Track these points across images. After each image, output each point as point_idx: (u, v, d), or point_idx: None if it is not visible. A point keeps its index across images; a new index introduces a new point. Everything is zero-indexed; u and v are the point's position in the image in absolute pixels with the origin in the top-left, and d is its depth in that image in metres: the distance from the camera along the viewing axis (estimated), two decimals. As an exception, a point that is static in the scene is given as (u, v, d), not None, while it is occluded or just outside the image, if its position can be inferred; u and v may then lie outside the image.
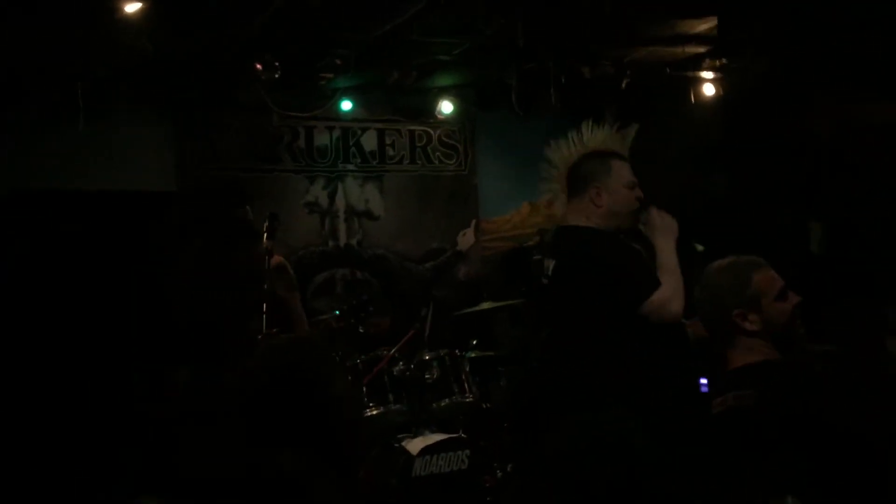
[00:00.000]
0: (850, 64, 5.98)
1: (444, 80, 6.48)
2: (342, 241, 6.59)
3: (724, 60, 6.12)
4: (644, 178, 7.06)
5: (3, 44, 4.82)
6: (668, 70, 6.27)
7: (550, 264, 2.98)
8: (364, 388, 4.62)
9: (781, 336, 2.38)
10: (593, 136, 3.05)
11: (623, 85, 6.19)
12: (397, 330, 5.43)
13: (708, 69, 6.28)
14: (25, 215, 4.33)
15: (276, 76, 5.46)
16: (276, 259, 3.54)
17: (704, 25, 5.50)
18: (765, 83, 6.04)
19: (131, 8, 4.29)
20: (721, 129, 6.47)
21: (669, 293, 2.72)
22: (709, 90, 6.40)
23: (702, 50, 5.98)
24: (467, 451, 4.54)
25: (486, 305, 5.47)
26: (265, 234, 2.92)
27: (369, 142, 6.74)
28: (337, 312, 5.16)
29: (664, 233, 2.87)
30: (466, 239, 6.95)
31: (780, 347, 2.38)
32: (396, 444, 4.54)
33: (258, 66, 5.35)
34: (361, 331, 5.05)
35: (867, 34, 5.57)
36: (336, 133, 6.63)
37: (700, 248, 2.95)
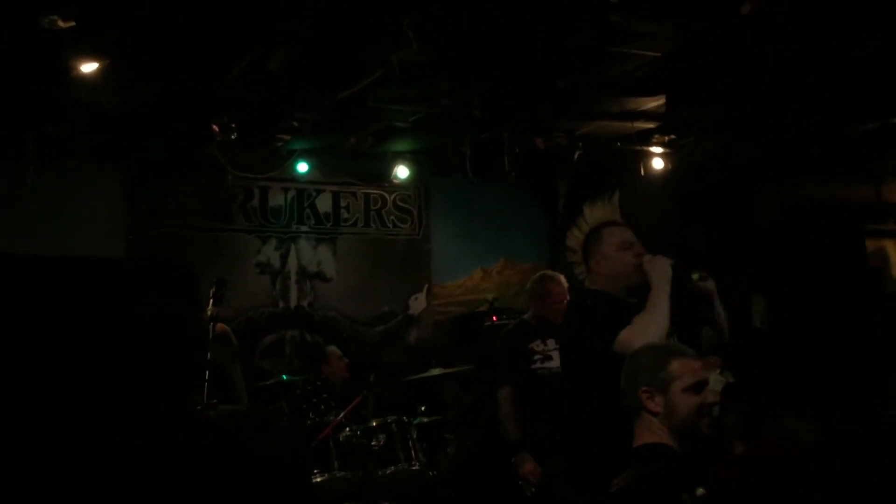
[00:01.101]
0: (792, 144, 6.22)
1: (400, 146, 6.57)
2: (293, 302, 6.55)
3: (672, 137, 6.31)
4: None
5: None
6: (618, 144, 6.44)
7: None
8: (308, 455, 4.54)
9: (681, 427, 2.43)
10: (593, 214, 3.24)
11: (575, 157, 6.33)
12: (354, 378, 5.39)
13: (657, 144, 6.48)
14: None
15: (233, 137, 5.48)
16: (220, 327, 3.50)
17: (653, 103, 5.69)
18: (711, 160, 6.23)
19: (88, 68, 4.29)
20: (670, 204, 6.64)
21: (636, 332, 2.83)
22: (658, 164, 6.59)
23: (651, 126, 6.17)
24: (412, 521, 4.48)
25: (435, 371, 5.46)
26: (211, 301, 2.90)
27: (324, 204, 6.77)
28: (284, 377, 5.11)
29: (656, 275, 3.00)
30: (418, 303, 6.96)
31: (679, 437, 2.44)
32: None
33: (215, 128, 5.36)
34: (312, 391, 4.99)
35: (808, 117, 5.81)
36: (291, 194, 6.65)
37: (695, 276, 3.08)
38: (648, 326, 2.88)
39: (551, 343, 4.60)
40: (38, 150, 5.51)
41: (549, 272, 4.79)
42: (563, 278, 4.69)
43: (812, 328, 5.76)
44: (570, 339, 3.18)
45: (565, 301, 4.65)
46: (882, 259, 7.79)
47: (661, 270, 3.02)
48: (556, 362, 4.52)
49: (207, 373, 2.63)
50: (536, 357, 4.59)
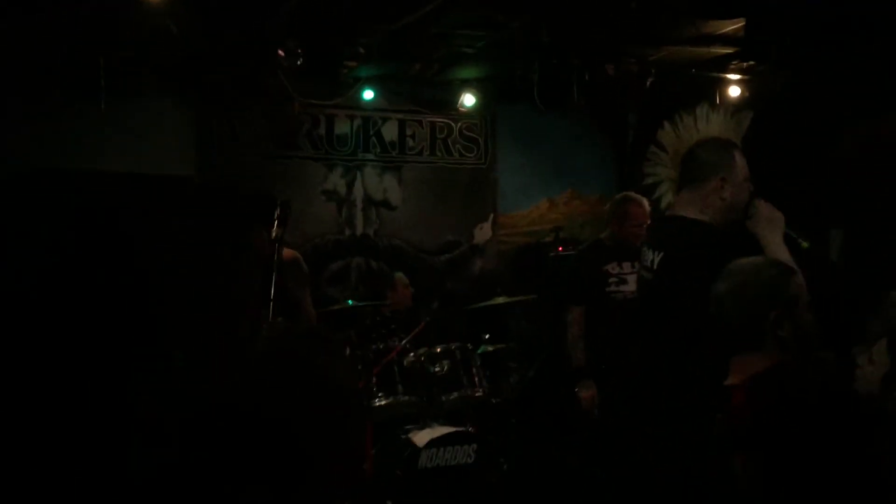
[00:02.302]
0: (876, 75, 5.90)
1: (466, 73, 6.46)
2: (359, 230, 6.60)
3: (750, 63, 6.05)
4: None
5: (30, 23, 4.85)
6: (693, 70, 6.20)
7: (656, 257, 2.75)
8: (374, 379, 4.62)
9: (806, 347, 2.30)
10: (709, 122, 2.81)
11: (647, 84, 6.13)
12: (410, 319, 5.43)
13: (734, 71, 6.22)
14: (47, 193, 4.36)
15: (299, 63, 5.46)
16: (291, 253, 3.51)
17: (731, 26, 5.44)
18: (791, 88, 5.96)
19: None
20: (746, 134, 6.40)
21: None
22: (734, 92, 6.34)
23: (728, 51, 5.91)
24: (474, 446, 4.54)
25: (499, 300, 5.46)
26: (275, 222, 2.91)
27: (389, 132, 6.74)
28: (350, 302, 5.18)
29: (772, 226, 2.66)
30: (483, 233, 6.93)
31: (800, 357, 2.30)
32: (403, 436, 4.55)
33: (281, 53, 5.35)
34: (378, 318, 5.04)
35: (890, 48, 5.48)
36: (357, 122, 6.63)
37: (805, 244, 2.73)
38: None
39: (627, 266, 4.41)
40: (110, 79, 5.59)
41: (632, 193, 4.56)
42: (645, 201, 4.49)
43: (888, 264, 5.54)
44: (663, 272, 2.72)
45: (646, 224, 4.47)
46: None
47: (777, 221, 2.69)
48: (630, 286, 4.31)
49: (273, 293, 2.67)
50: (611, 280, 4.44)
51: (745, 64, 6.11)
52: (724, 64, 6.11)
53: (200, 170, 6.10)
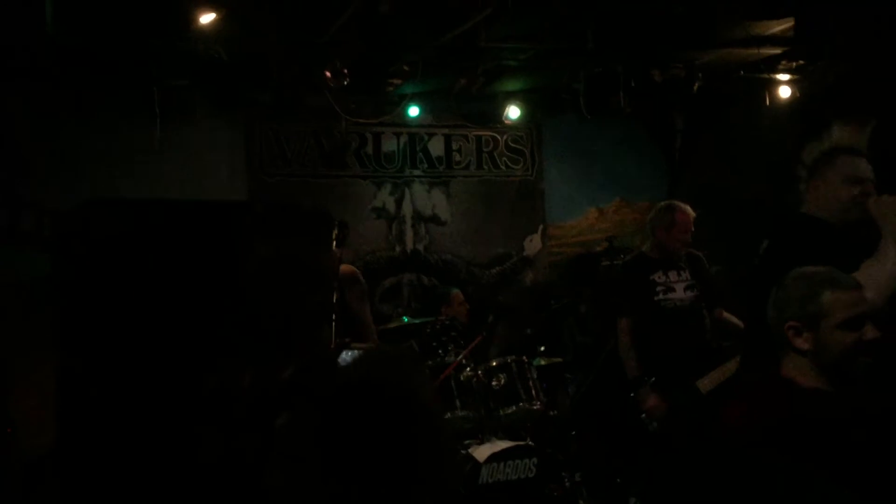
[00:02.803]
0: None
1: (510, 86, 6.46)
2: (409, 246, 6.62)
3: (800, 62, 5.95)
4: (719, 183, 6.87)
5: (88, 48, 4.98)
6: (741, 73, 6.12)
7: (763, 244, 2.93)
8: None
9: (833, 367, 2.20)
10: (839, 133, 2.94)
11: (695, 88, 6.06)
12: (472, 321, 5.42)
13: (784, 71, 6.12)
14: (102, 224, 4.43)
15: (345, 83, 5.52)
16: (348, 269, 3.54)
17: (780, 26, 5.36)
18: (844, 85, 5.84)
19: (206, 19, 4.39)
20: (798, 135, 6.28)
21: (864, 282, 2.40)
22: (785, 93, 6.23)
23: (777, 51, 5.82)
24: (535, 459, 4.49)
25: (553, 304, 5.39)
26: (334, 242, 2.94)
27: (436, 147, 6.76)
28: (406, 319, 5.18)
29: (887, 220, 2.67)
30: (533, 244, 6.91)
31: (831, 379, 2.22)
32: (463, 451, 4.52)
33: (328, 74, 5.41)
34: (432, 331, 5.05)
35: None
36: (403, 139, 6.67)
37: None
38: (879, 277, 2.56)
39: (673, 275, 4.52)
40: (163, 104, 5.72)
41: (676, 202, 4.62)
42: (689, 208, 4.54)
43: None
44: (766, 262, 2.82)
45: (690, 232, 4.51)
46: None
47: (891, 213, 2.67)
48: (679, 293, 4.48)
49: (335, 312, 2.68)
50: (659, 288, 4.50)
51: (794, 63, 6.02)
52: (773, 64, 6.02)
53: (252, 190, 6.19)
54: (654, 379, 4.36)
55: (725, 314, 4.67)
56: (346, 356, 2.47)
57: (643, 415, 4.36)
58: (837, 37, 5.47)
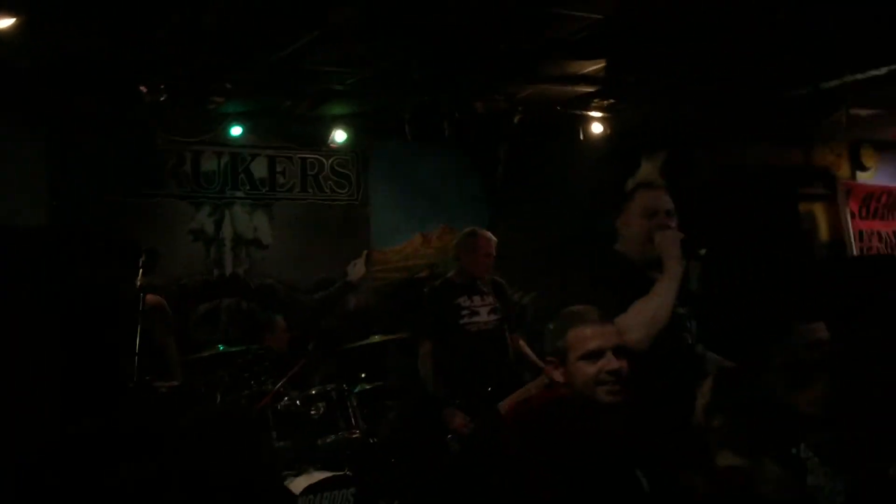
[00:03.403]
0: (727, 108, 6.29)
1: (337, 109, 6.42)
2: (228, 269, 6.40)
3: (611, 101, 6.32)
4: (536, 213, 7.16)
5: None
6: (558, 108, 6.41)
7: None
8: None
9: (582, 397, 2.34)
10: (642, 171, 3.05)
11: (516, 121, 6.29)
12: (284, 361, 5.27)
13: (596, 109, 6.48)
14: None
15: (162, 99, 5.26)
16: (155, 299, 3.35)
17: (593, 66, 5.67)
18: (650, 124, 6.25)
19: (4, 23, 4.05)
20: (610, 169, 6.65)
21: (629, 320, 2.56)
22: (597, 129, 6.59)
23: (591, 89, 6.15)
24: (352, 490, 4.43)
25: (375, 338, 5.39)
26: (140, 272, 2.76)
27: (259, 169, 6.59)
28: (221, 347, 4.98)
29: (665, 252, 2.74)
30: (357, 269, 6.82)
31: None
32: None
33: (143, 89, 5.14)
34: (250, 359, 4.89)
35: (743, 82, 5.87)
36: (224, 159, 6.45)
37: (703, 251, 2.81)
38: (644, 314, 2.61)
39: (477, 299, 4.70)
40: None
41: (478, 228, 4.86)
42: (490, 234, 4.75)
43: (744, 292, 5.85)
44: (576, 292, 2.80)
45: (492, 256, 4.70)
46: (812, 222, 8.01)
47: (671, 247, 2.73)
48: (483, 317, 4.68)
49: (138, 345, 2.51)
50: (464, 312, 4.65)
51: (605, 102, 6.38)
52: (586, 102, 6.36)
53: (53, 210, 5.73)
54: (458, 401, 4.45)
55: (522, 343, 4.88)
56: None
57: (449, 436, 4.43)
58: (644, 79, 5.85)
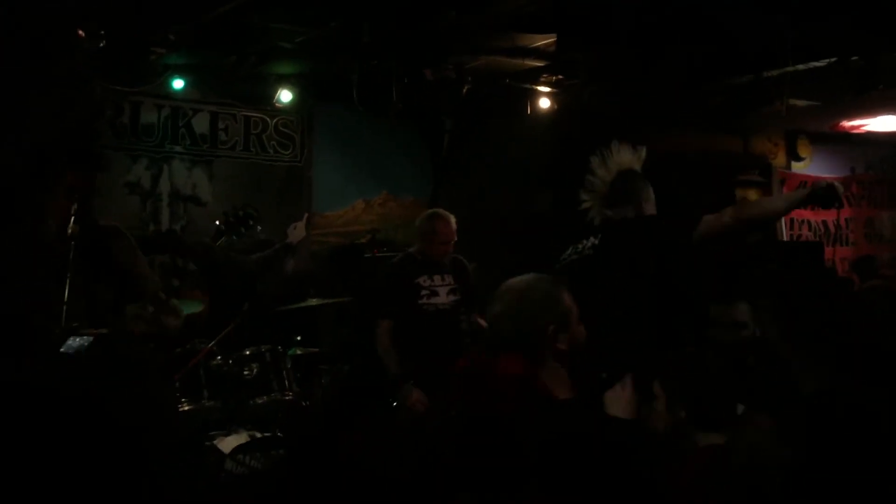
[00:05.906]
0: (667, 95, 6.37)
1: (284, 69, 6.31)
2: (164, 225, 6.27)
3: (559, 77, 6.34)
4: (479, 185, 7.17)
5: None
6: (507, 81, 6.41)
7: (593, 240, 3.33)
8: (177, 383, 4.39)
9: (575, 360, 2.31)
10: (621, 157, 3.41)
11: (464, 91, 6.27)
12: (217, 320, 5.21)
13: (545, 84, 6.49)
14: None
15: (101, 46, 5.09)
16: (108, 224, 3.14)
17: (544, 41, 5.67)
18: (594, 104, 6.30)
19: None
20: (552, 145, 6.70)
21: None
22: (544, 104, 6.62)
23: (540, 64, 6.16)
24: (282, 451, 4.42)
25: (312, 302, 5.36)
26: (72, 219, 2.67)
27: (201, 124, 6.46)
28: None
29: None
30: (297, 232, 6.76)
31: (573, 375, 2.32)
32: (208, 443, 4.35)
33: (81, 34, 4.97)
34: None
35: (681, 69, 5.95)
36: (165, 112, 6.30)
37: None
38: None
39: (437, 279, 4.63)
40: None
41: (440, 211, 4.75)
42: (452, 219, 4.69)
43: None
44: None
45: (452, 241, 4.65)
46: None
47: None
48: (441, 297, 4.61)
49: (66, 288, 2.44)
50: (423, 292, 4.59)
51: (554, 77, 6.40)
52: (536, 76, 6.37)
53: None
54: (413, 381, 4.44)
55: (481, 321, 4.87)
56: (73, 343, 2.27)
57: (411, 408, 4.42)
58: (592, 59, 5.89)
